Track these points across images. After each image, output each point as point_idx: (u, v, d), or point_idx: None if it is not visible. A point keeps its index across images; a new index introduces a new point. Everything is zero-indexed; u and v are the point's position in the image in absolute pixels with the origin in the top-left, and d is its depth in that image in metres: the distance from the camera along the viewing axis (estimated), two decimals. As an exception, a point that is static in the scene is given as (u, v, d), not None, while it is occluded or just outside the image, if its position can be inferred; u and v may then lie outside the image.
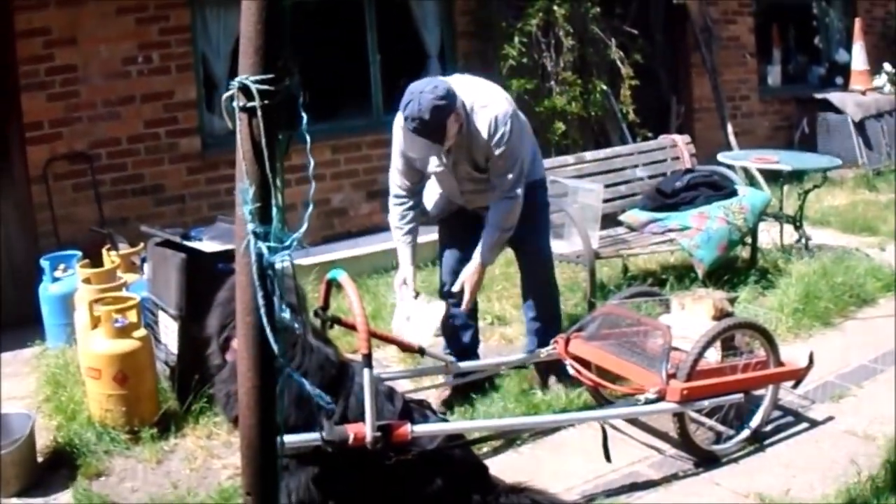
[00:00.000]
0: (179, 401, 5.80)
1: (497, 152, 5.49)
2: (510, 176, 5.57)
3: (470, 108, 5.43)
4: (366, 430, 3.90)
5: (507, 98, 5.72)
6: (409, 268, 5.72)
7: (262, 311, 2.37)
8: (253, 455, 2.69)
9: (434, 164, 5.62)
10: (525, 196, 5.75)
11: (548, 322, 6.01)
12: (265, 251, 2.34)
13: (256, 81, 2.42)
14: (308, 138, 2.41)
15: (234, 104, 2.48)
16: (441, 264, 6.14)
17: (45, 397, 6.18)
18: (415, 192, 5.81)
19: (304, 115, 2.42)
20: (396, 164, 5.71)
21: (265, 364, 2.55)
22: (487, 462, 4.69)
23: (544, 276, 6.12)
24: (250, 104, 2.43)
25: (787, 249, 8.66)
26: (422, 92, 5.20)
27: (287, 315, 2.44)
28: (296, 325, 2.57)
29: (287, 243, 2.35)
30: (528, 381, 6.00)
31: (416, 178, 5.76)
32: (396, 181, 5.76)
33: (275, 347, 2.38)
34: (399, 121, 5.51)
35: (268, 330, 2.36)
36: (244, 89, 2.44)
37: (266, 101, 2.42)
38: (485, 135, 5.45)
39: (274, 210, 2.40)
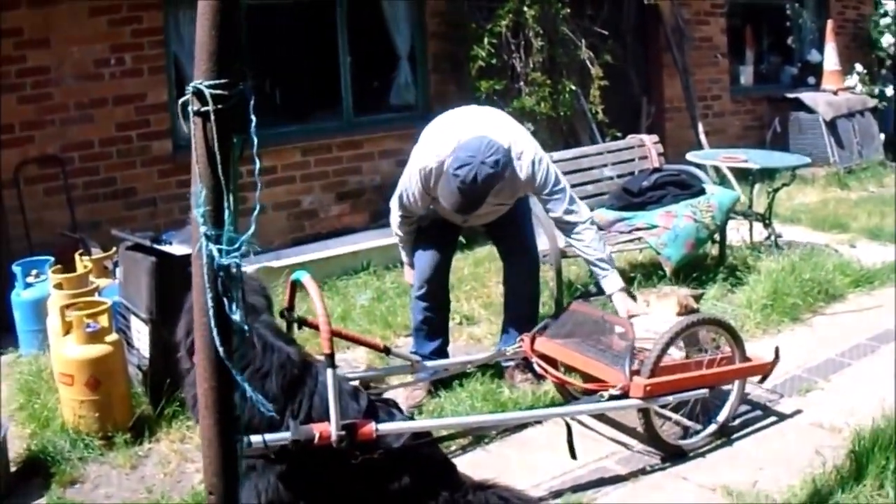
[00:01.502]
0: (152, 405, 5.76)
1: (546, 193, 5.70)
2: (573, 206, 5.76)
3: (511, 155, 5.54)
4: (331, 428, 3.94)
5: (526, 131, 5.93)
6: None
7: (211, 312, 2.41)
8: (213, 454, 2.72)
9: None
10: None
11: (526, 321, 6.03)
12: (216, 253, 2.38)
13: (210, 86, 2.46)
14: (255, 140, 2.45)
15: (189, 108, 2.52)
16: (416, 267, 6.17)
17: (19, 405, 6.10)
18: (419, 214, 5.93)
19: (254, 119, 2.46)
20: (414, 194, 5.72)
21: (222, 365, 2.59)
22: (456, 460, 4.73)
23: (528, 276, 6.18)
24: (204, 108, 2.47)
25: (757, 247, 8.74)
26: (483, 162, 5.26)
27: (237, 317, 2.47)
28: (246, 327, 2.58)
29: (237, 245, 2.39)
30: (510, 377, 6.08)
31: (426, 207, 5.85)
32: (409, 207, 5.84)
33: (220, 349, 2.41)
34: (427, 162, 5.58)
35: (215, 331, 2.39)
36: (198, 94, 2.48)
37: (219, 106, 2.46)
38: (522, 178, 5.60)
39: (226, 213, 2.43)
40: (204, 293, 2.48)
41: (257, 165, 2.44)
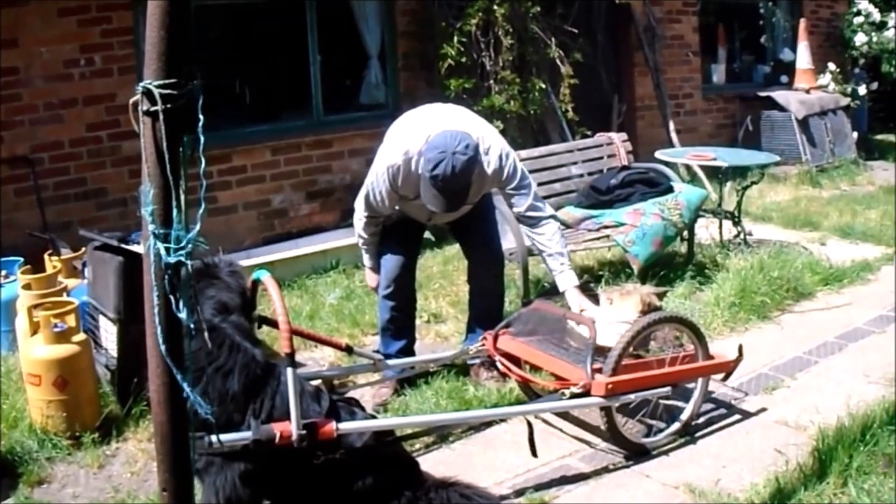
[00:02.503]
0: (120, 404, 5.76)
1: (512, 188, 5.72)
2: (538, 203, 5.82)
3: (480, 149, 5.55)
4: (291, 428, 3.95)
5: (491, 127, 5.95)
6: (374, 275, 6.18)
7: (157, 309, 2.42)
8: (166, 451, 2.74)
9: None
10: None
11: (491, 319, 6.00)
12: (163, 252, 2.39)
13: (159, 86, 2.48)
14: (202, 139, 2.46)
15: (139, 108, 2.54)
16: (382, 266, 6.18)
17: (-13, 406, 6.13)
18: (386, 213, 5.91)
19: (202, 118, 2.47)
20: (381, 193, 5.67)
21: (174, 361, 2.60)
22: (419, 458, 4.75)
23: (493, 274, 6.18)
24: (153, 108, 2.49)
25: (726, 245, 8.75)
26: (454, 153, 5.25)
27: (185, 314, 2.49)
28: (192, 325, 2.60)
29: (184, 244, 2.40)
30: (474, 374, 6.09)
31: (393, 206, 5.83)
32: (376, 207, 5.79)
33: (162, 348, 2.42)
34: (394, 159, 5.55)
35: (159, 330, 2.40)
36: (147, 93, 2.50)
37: (168, 105, 2.47)
38: (490, 173, 5.62)
39: (174, 211, 2.45)
40: (152, 291, 2.50)
41: (202, 166, 2.46)
